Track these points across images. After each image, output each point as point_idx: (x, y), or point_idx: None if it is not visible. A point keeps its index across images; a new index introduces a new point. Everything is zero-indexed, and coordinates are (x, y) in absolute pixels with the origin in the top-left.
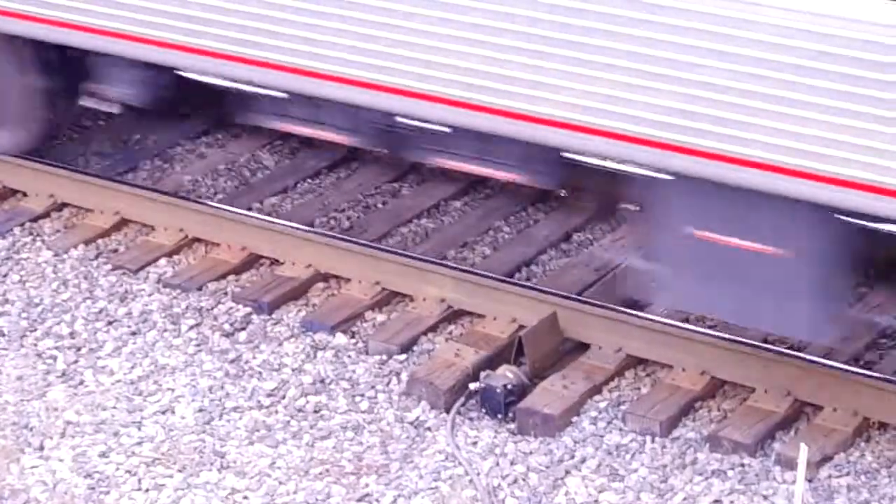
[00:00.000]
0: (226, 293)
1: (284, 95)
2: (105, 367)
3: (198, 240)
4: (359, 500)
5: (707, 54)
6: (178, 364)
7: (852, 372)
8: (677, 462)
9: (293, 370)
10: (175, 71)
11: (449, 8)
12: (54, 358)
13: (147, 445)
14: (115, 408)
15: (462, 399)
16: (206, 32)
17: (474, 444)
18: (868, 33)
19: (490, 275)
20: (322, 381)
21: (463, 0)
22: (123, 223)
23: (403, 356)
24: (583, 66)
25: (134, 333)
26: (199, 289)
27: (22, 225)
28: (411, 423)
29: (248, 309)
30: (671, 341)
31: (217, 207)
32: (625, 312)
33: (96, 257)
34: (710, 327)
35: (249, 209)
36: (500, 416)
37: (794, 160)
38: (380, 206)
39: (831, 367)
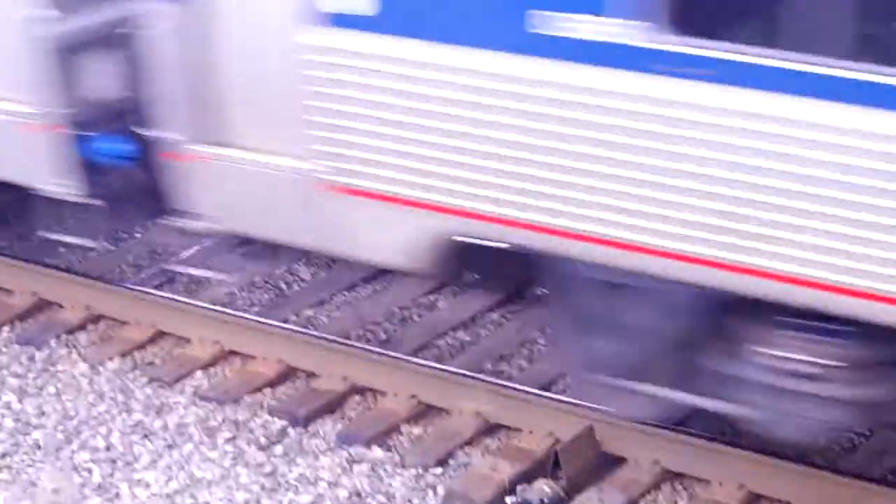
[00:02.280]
0: (262, 406)
1: None
2: (141, 481)
3: (234, 352)
4: None
5: None
6: (215, 477)
7: (884, 483)
8: None
9: (329, 484)
10: None
11: None
12: (90, 471)
13: None
14: None
15: None
16: None
17: None
18: None
19: (526, 389)
20: (358, 494)
21: None
22: (159, 335)
23: (440, 470)
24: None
25: (170, 446)
26: (235, 401)
27: (58, 337)
28: None
29: (284, 422)
30: (708, 455)
31: (253, 320)
32: (661, 426)
33: (132, 369)
34: (747, 441)
35: (286, 321)
36: None
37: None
38: (416, 318)
39: (866, 479)
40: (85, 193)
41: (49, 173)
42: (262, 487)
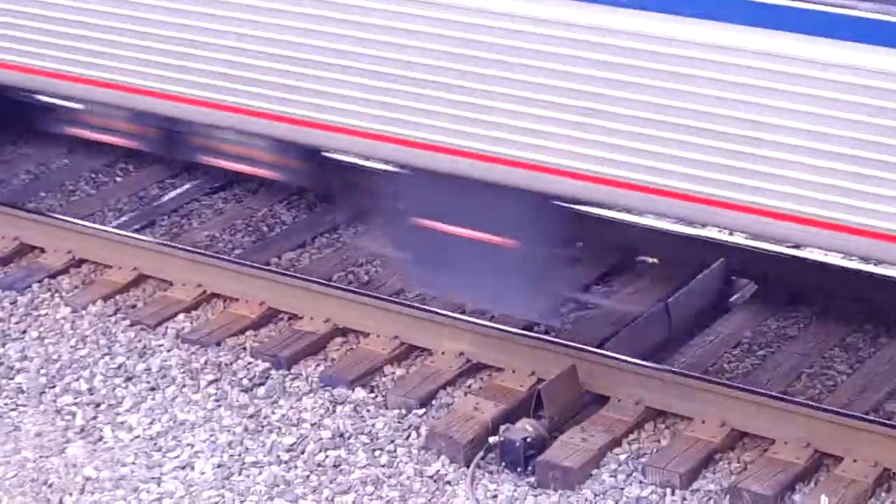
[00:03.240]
0: (244, 348)
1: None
2: (124, 423)
3: (216, 295)
4: None
5: None
6: (197, 419)
7: (872, 422)
8: None
9: (312, 425)
10: None
11: None
12: (73, 414)
13: (167, 501)
14: (134, 464)
15: (481, 453)
16: None
17: (494, 497)
18: None
19: (509, 328)
20: (341, 435)
21: None
22: (142, 279)
23: (422, 410)
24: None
25: (153, 389)
26: (218, 344)
27: (40, 281)
28: (431, 478)
29: (267, 364)
30: (690, 393)
31: (235, 262)
32: (644, 365)
33: (115, 313)
34: (729, 378)
35: (268, 264)
36: (519, 469)
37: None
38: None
39: (851, 417)
40: None
41: None
42: (246, 429)
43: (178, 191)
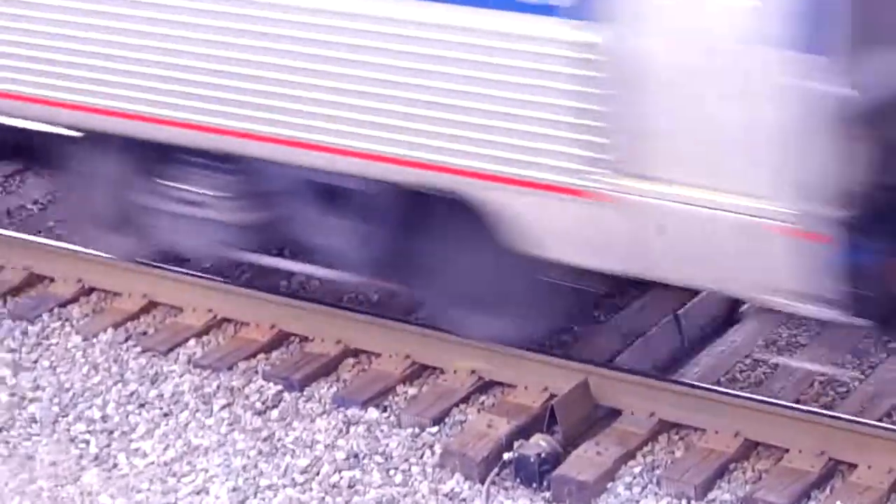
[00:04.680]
0: (256, 372)
1: None
2: (138, 450)
3: (226, 319)
4: None
5: None
6: (211, 444)
7: (885, 428)
8: None
9: (326, 446)
10: None
11: None
12: (87, 442)
13: None
14: (149, 490)
15: (496, 469)
16: None
17: None
18: None
19: (520, 346)
20: (355, 456)
21: None
22: (152, 305)
23: (436, 428)
24: None
25: (166, 415)
26: (230, 368)
27: (51, 311)
28: (446, 496)
29: (279, 387)
30: (703, 404)
31: (245, 286)
32: (656, 377)
33: (125, 340)
34: (741, 389)
35: (277, 287)
36: (534, 485)
37: None
38: None
39: (864, 424)
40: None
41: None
42: (260, 452)
43: None
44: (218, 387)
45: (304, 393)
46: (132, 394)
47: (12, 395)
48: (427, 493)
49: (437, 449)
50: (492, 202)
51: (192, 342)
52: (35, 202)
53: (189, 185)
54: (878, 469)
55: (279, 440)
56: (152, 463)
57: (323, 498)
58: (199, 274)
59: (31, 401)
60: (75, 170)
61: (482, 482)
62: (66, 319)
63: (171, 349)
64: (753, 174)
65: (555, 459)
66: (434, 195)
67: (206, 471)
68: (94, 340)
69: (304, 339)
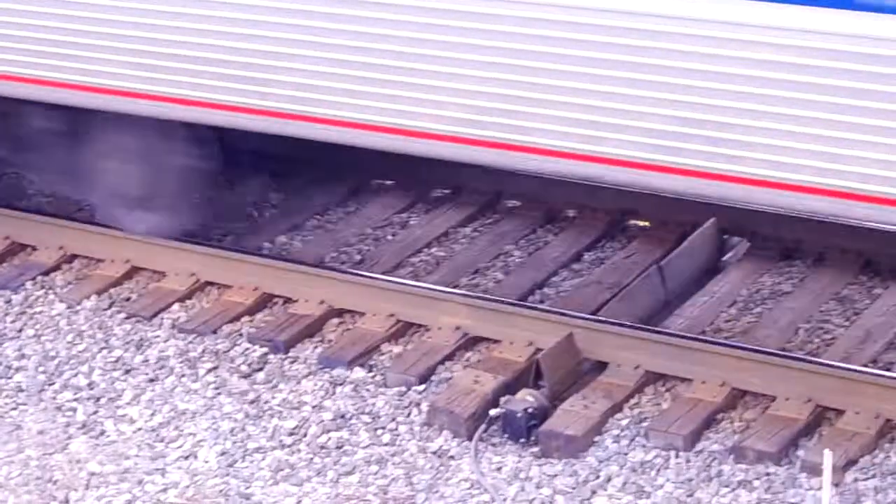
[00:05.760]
0: (241, 334)
1: None
2: (125, 416)
3: (210, 283)
4: None
5: None
6: (198, 408)
7: (872, 374)
8: (703, 475)
9: (313, 407)
10: None
11: None
12: (74, 410)
13: (172, 492)
14: (137, 456)
15: (484, 426)
16: None
17: (498, 469)
18: None
19: (504, 300)
20: (342, 416)
21: None
22: (134, 271)
23: (422, 386)
24: None
25: (152, 380)
26: (214, 332)
27: (34, 279)
28: (434, 453)
29: (265, 349)
30: (689, 355)
31: (228, 249)
32: (641, 329)
33: (109, 307)
34: (727, 338)
35: (260, 249)
36: (522, 440)
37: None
38: (389, 237)
39: (851, 370)
40: None
41: None
42: (247, 415)
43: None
44: (203, 351)
45: (290, 354)
46: (118, 360)
47: None
48: (415, 452)
49: (424, 407)
50: None
51: (175, 307)
52: (14, 172)
53: None
54: (866, 415)
55: (266, 402)
56: (140, 429)
57: (311, 459)
58: (181, 238)
59: (17, 370)
60: None
61: (470, 439)
62: (50, 287)
63: (155, 314)
64: None
65: (542, 414)
66: None
67: (194, 435)
68: (78, 308)
69: (288, 300)
